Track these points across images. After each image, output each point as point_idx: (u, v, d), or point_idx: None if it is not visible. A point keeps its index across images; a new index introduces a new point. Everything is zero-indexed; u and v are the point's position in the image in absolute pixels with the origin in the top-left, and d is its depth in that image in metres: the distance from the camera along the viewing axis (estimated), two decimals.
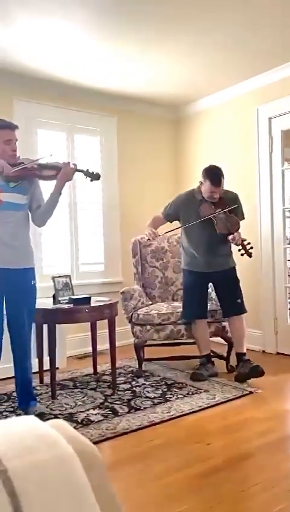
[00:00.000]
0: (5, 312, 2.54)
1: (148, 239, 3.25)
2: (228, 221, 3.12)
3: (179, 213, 3.33)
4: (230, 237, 3.06)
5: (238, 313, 3.22)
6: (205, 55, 3.46)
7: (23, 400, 2.62)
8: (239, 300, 3.23)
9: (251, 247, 3.05)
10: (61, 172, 2.56)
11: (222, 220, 3.12)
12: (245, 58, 3.54)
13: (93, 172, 2.70)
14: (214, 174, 3.14)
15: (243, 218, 3.29)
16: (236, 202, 3.23)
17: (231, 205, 3.14)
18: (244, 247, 3.03)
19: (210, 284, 3.39)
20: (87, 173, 2.70)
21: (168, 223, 3.46)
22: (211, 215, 3.13)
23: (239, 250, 3.06)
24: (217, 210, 3.14)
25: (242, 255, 3.05)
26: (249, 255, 3.04)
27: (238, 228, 3.14)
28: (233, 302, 3.22)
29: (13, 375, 2.70)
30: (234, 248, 3.22)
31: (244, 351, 3.19)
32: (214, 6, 2.74)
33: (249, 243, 3.05)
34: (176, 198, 3.43)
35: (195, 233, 3.23)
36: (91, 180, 2.72)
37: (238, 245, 3.05)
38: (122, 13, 2.80)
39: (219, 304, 3.35)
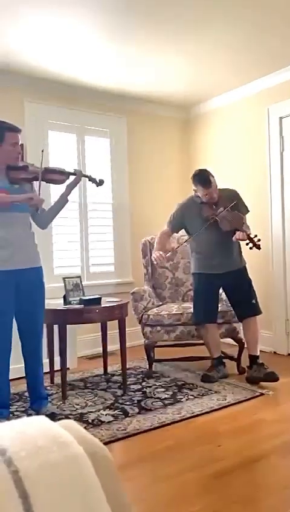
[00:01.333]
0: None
1: (156, 263, 3.21)
2: (231, 218, 3.09)
3: (184, 221, 3.33)
4: (234, 237, 3.02)
5: (253, 314, 3.17)
6: (214, 55, 3.44)
7: (35, 400, 2.64)
8: (254, 301, 3.18)
9: (259, 240, 2.96)
10: (72, 181, 2.70)
11: (225, 218, 3.10)
12: (255, 57, 3.52)
13: (96, 179, 2.81)
14: (201, 177, 3.16)
15: (248, 211, 3.27)
16: (235, 198, 3.20)
17: (230, 202, 3.12)
18: (251, 240, 2.96)
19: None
20: (92, 179, 2.80)
21: (175, 234, 3.47)
22: (213, 215, 3.12)
23: (247, 244, 2.99)
24: (218, 209, 3.13)
25: (251, 248, 2.97)
26: (258, 247, 2.96)
27: (243, 222, 3.09)
28: (248, 304, 3.17)
29: (24, 375, 2.72)
30: (242, 248, 3.19)
31: (258, 353, 3.15)
32: (224, 6, 2.73)
33: (255, 235, 2.98)
34: (177, 207, 3.41)
35: (203, 236, 3.21)
36: (97, 186, 2.84)
37: (244, 240, 2.99)
38: (132, 14, 2.80)
39: (229, 306, 3.31)
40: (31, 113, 3.79)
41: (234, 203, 3.12)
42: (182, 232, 3.48)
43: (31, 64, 3.50)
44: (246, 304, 3.19)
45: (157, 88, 4.12)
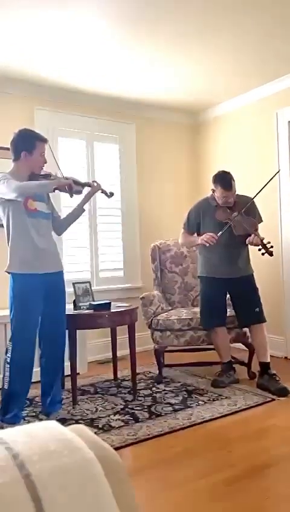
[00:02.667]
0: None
1: (209, 244, 3.06)
2: (245, 223, 3.09)
3: (198, 220, 3.33)
4: (247, 240, 3.02)
5: (255, 322, 3.16)
6: (222, 60, 3.46)
7: (50, 405, 2.67)
8: (257, 309, 3.16)
9: (271, 246, 2.96)
10: (91, 191, 2.82)
11: (239, 222, 3.09)
12: (263, 62, 3.53)
13: (107, 191, 2.92)
14: (223, 179, 3.14)
15: (261, 221, 3.26)
16: (252, 205, 3.19)
17: (246, 207, 3.10)
18: (264, 246, 2.96)
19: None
20: (105, 192, 2.90)
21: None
22: (227, 219, 3.11)
23: (259, 249, 2.98)
24: (233, 213, 3.13)
25: (263, 254, 2.97)
26: (270, 254, 2.96)
27: (257, 229, 3.11)
28: (251, 311, 3.16)
29: (35, 380, 2.75)
30: (253, 254, 3.18)
31: (268, 360, 3.12)
32: (232, 12, 2.74)
33: (269, 242, 2.98)
34: (191, 210, 3.41)
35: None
36: (108, 198, 2.96)
37: (258, 245, 2.98)
38: (141, 22, 2.83)
39: (234, 313, 3.29)
40: (41, 120, 3.84)
41: (248, 205, 3.11)
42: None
43: (41, 72, 3.54)
44: (249, 311, 3.17)
45: (166, 94, 4.15)
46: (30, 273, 2.51)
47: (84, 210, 2.90)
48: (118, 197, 4.30)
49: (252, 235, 3.01)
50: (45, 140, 2.63)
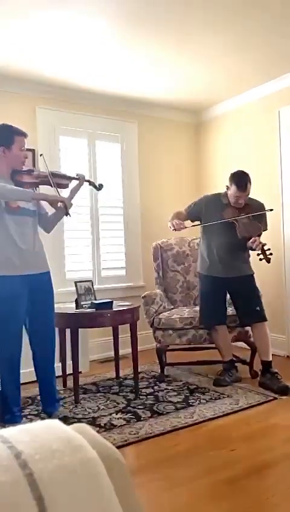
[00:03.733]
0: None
1: (174, 229, 3.15)
2: (250, 226, 3.09)
3: (202, 213, 3.30)
4: (251, 240, 3.02)
5: (256, 320, 3.16)
6: (224, 58, 3.45)
7: (48, 403, 2.66)
8: (258, 308, 3.16)
9: (271, 253, 2.96)
10: (76, 186, 2.73)
11: (244, 224, 3.10)
12: (265, 60, 3.52)
13: (96, 183, 2.87)
14: (240, 179, 3.11)
15: (266, 229, 3.23)
16: (260, 210, 3.20)
17: (255, 212, 3.12)
18: (263, 252, 2.96)
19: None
20: (93, 184, 2.85)
21: (189, 221, 3.39)
22: (233, 219, 3.11)
23: (258, 254, 2.98)
24: (241, 214, 3.12)
25: (261, 259, 2.97)
26: (268, 261, 2.96)
27: (260, 234, 3.11)
28: (251, 310, 3.16)
29: (33, 379, 2.75)
30: (254, 255, 3.17)
31: (270, 359, 3.12)
32: (234, 10, 2.74)
33: (269, 249, 2.98)
34: (202, 198, 3.40)
35: (215, 236, 3.21)
36: (97, 190, 2.92)
37: (257, 249, 2.98)
38: (142, 21, 2.82)
39: (235, 312, 3.29)
40: (43, 119, 3.84)
41: (260, 212, 3.14)
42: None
43: (42, 71, 3.54)
44: (249, 310, 3.17)
45: (167, 93, 4.14)
46: (12, 275, 2.43)
47: (72, 205, 2.74)
48: (119, 195, 4.30)
49: (253, 239, 3.00)
50: (24, 135, 2.53)
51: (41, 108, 3.86)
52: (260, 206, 3.24)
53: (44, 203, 2.70)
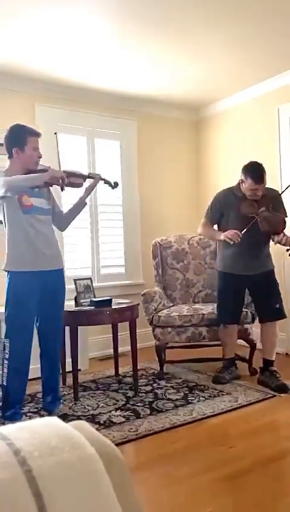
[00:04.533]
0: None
1: (234, 242, 2.94)
2: (273, 220, 2.88)
3: (222, 211, 3.13)
4: (276, 239, 2.87)
5: (276, 318, 3.09)
6: (224, 56, 3.44)
7: (50, 401, 2.67)
8: (277, 306, 3.07)
9: None
10: (92, 184, 2.75)
11: (266, 218, 2.89)
12: (265, 57, 3.51)
13: (111, 181, 2.85)
14: (255, 171, 2.93)
15: (286, 216, 3.06)
16: (279, 199, 3.03)
17: (273, 202, 2.91)
18: None
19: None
20: (109, 182, 2.83)
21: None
22: (253, 213, 2.91)
23: (287, 250, 2.82)
24: (260, 208, 2.91)
25: None
26: None
27: (285, 227, 2.91)
28: (271, 307, 3.07)
29: (37, 376, 2.76)
30: (274, 249, 3.10)
31: (273, 358, 3.10)
32: (233, 7, 2.73)
33: None
34: (214, 199, 3.21)
35: None
36: (112, 188, 2.89)
37: (288, 245, 2.83)
38: (141, 18, 2.82)
39: (253, 308, 3.25)
40: (42, 116, 3.83)
41: (276, 200, 2.95)
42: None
43: (42, 69, 3.53)
44: (269, 307, 3.08)
45: (167, 90, 4.13)
46: (24, 271, 2.47)
47: (86, 203, 2.83)
48: (119, 193, 4.29)
49: (282, 235, 2.84)
50: (37, 134, 2.54)
51: (41, 106, 3.85)
52: (276, 195, 3.05)
53: (57, 199, 2.76)
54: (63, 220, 2.80)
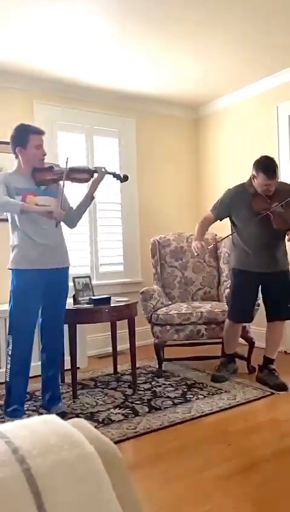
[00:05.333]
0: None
1: (197, 254, 3.01)
2: (287, 216, 2.80)
3: (231, 209, 3.05)
4: (288, 236, 2.81)
5: (286, 318, 3.05)
6: (223, 54, 3.43)
7: (50, 399, 2.68)
8: (289, 305, 3.02)
9: None
10: (96, 179, 2.70)
11: (280, 214, 2.80)
12: (264, 55, 3.50)
13: (120, 175, 2.80)
14: (267, 166, 2.83)
15: None
16: None
17: (286, 197, 2.80)
18: None
19: None
20: (118, 176, 2.79)
21: (214, 238, 3.26)
22: (266, 210, 2.82)
23: None
24: (273, 204, 2.82)
25: None
26: None
27: None
28: (282, 306, 3.02)
29: (36, 374, 2.77)
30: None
31: (274, 357, 3.10)
32: (231, 5, 2.72)
33: None
34: (225, 194, 3.12)
35: (249, 229, 2.97)
36: (121, 182, 2.84)
37: None
38: (141, 16, 2.80)
39: (264, 306, 3.18)
40: (41, 114, 3.81)
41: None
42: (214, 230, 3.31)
43: (40, 66, 3.52)
44: (280, 306, 3.03)
45: (166, 88, 4.12)
46: (28, 269, 2.48)
47: (93, 198, 2.78)
48: (117, 191, 4.29)
49: None
50: (40, 132, 2.54)
51: (39, 103, 3.83)
52: (289, 189, 2.95)
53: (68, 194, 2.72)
54: (71, 218, 2.77)
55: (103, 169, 2.72)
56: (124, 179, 2.79)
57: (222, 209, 3.10)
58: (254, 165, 2.91)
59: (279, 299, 3.01)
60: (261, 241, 2.95)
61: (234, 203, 3.04)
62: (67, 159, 2.60)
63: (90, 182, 2.74)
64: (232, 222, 3.12)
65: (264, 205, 2.86)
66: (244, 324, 3.35)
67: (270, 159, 2.89)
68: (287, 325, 3.87)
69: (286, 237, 2.83)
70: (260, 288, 3.11)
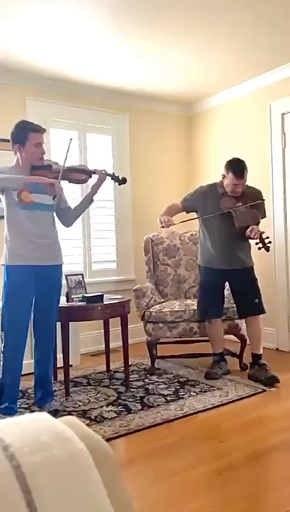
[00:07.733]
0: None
1: (162, 226, 3.13)
2: (248, 215, 2.99)
3: (198, 204, 3.22)
4: (248, 229, 2.96)
5: (254, 313, 3.15)
6: (216, 51, 3.43)
7: (42, 396, 2.67)
8: (257, 301, 3.15)
9: (269, 242, 2.90)
10: (97, 183, 2.71)
11: (242, 213, 3.01)
12: (257, 54, 3.51)
13: (119, 177, 2.83)
14: (237, 166, 3.03)
15: (265, 216, 3.19)
16: (259, 198, 3.13)
17: (252, 200, 3.04)
18: (262, 240, 2.90)
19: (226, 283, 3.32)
20: (116, 178, 2.81)
21: (185, 213, 3.33)
22: (230, 209, 3.02)
23: (256, 243, 2.93)
24: (237, 204, 3.03)
25: (259, 248, 2.92)
26: (267, 249, 2.90)
27: (258, 223, 3.04)
28: (250, 302, 3.15)
29: (29, 371, 2.77)
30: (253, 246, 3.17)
31: (261, 352, 3.14)
32: (226, 3, 2.72)
33: (267, 237, 2.92)
34: (197, 189, 3.32)
35: (213, 227, 3.15)
36: (119, 184, 2.88)
37: (256, 238, 2.94)
38: (134, 13, 2.79)
39: (231, 302, 3.30)
40: (33, 110, 3.79)
41: (257, 202, 3.05)
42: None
43: (33, 62, 3.49)
44: (248, 302, 3.16)
45: (159, 85, 4.11)
46: (20, 265, 2.48)
47: (92, 201, 2.80)
48: (110, 188, 4.27)
49: (251, 228, 2.94)
50: (40, 130, 2.53)
51: (32, 100, 3.81)
52: (257, 194, 3.17)
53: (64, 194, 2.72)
54: (68, 217, 2.78)
55: (104, 172, 2.73)
56: (122, 181, 2.82)
57: (190, 202, 3.28)
58: (225, 164, 3.11)
59: (246, 295, 3.16)
60: (225, 239, 3.11)
61: (203, 199, 3.21)
62: (70, 140, 2.58)
63: (88, 183, 2.74)
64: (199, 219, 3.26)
65: (229, 204, 3.06)
66: (236, 322, 3.37)
67: (241, 161, 3.08)
68: (277, 323, 3.92)
69: (247, 233, 2.98)
70: (227, 285, 3.26)
